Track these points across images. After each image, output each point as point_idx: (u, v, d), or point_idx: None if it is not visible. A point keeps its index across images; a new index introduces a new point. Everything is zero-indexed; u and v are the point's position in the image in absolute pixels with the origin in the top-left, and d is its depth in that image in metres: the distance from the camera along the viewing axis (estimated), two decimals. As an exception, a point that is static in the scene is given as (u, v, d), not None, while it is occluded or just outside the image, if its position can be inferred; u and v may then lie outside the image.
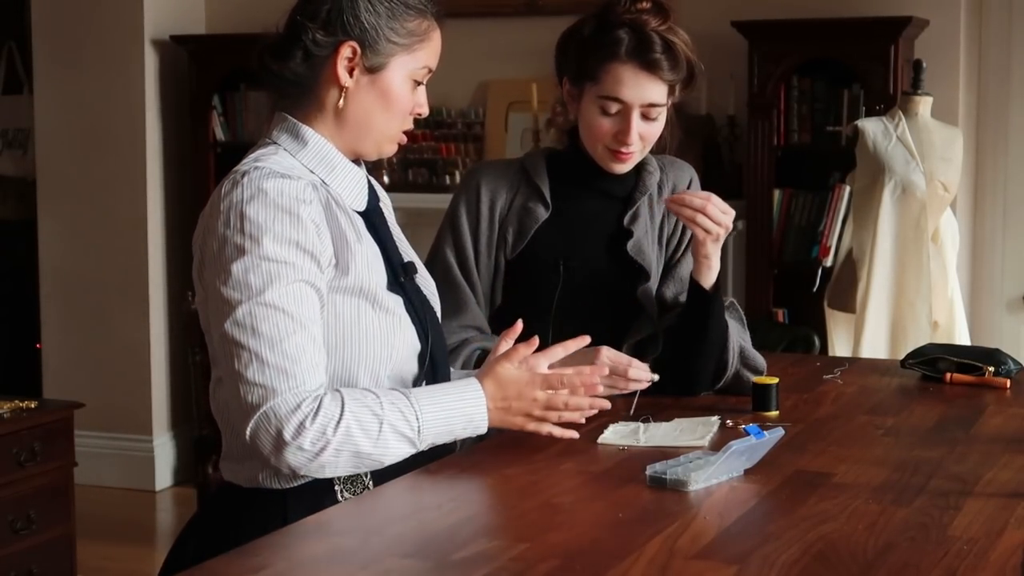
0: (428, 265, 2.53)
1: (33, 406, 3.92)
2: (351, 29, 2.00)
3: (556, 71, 2.57)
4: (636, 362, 2.35)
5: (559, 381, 2.05)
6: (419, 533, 1.75)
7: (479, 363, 2.41)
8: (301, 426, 1.85)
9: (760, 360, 2.55)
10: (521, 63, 5.12)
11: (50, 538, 3.91)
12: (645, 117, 2.47)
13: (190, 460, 5.49)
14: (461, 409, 1.99)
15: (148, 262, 5.48)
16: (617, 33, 2.45)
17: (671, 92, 2.49)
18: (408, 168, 5.37)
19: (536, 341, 2.08)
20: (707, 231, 2.40)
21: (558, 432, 2.07)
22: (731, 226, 2.43)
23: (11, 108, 6.04)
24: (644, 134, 2.49)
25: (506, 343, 2.11)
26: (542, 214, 2.55)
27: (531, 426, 2.05)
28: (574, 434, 2.09)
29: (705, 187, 4.75)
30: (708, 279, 2.46)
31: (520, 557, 1.60)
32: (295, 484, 1.94)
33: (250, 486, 1.96)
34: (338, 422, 1.87)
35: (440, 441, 1.98)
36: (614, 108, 2.47)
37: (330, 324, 1.96)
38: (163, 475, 5.58)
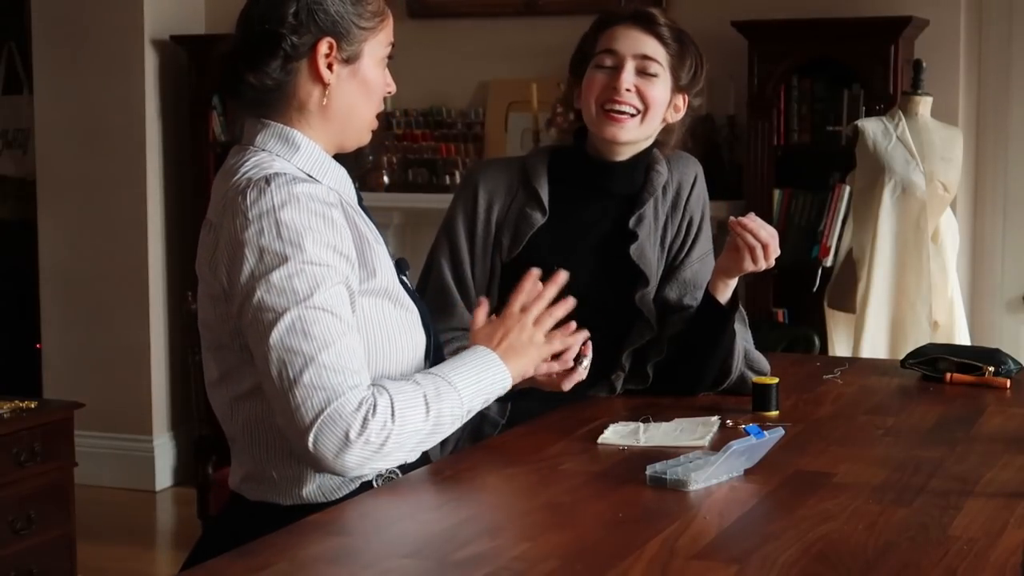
0: (425, 266, 2.54)
1: (33, 406, 3.91)
2: (323, 25, 1.98)
3: (569, 75, 2.57)
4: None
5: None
6: (419, 533, 1.75)
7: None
8: (365, 421, 1.84)
9: (764, 362, 2.54)
10: (521, 63, 5.13)
11: (50, 538, 3.91)
12: (642, 72, 2.46)
13: (190, 460, 5.49)
14: (480, 368, 2.00)
15: (148, 262, 5.48)
16: (622, 10, 2.52)
17: (672, 69, 2.48)
18: (408, 168, 5.36)
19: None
20: (754, 262, 2.38)
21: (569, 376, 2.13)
22: (772, 264, 2.42)
23: (11, 108, 6.04)
24: (641, 89, 2.46)
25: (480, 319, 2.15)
26: (538, 220, 2.52)
27: (546, 349, 2.08)
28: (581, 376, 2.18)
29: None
30: (726, 295, 2.45)
31: (520, 557, 1.60)
32: (339, 496, 1.93)
33: (292, 503, 1.94)
34: (392, 410, 1.86)
35: (478, 404, 1.98)
36: (609, 61, 2.47)
37: (361, 326, 1.96)
38: (163, 475, 5.58)
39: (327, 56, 1.99)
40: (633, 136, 2.50)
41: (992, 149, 4.78)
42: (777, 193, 4.72)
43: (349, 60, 2.01)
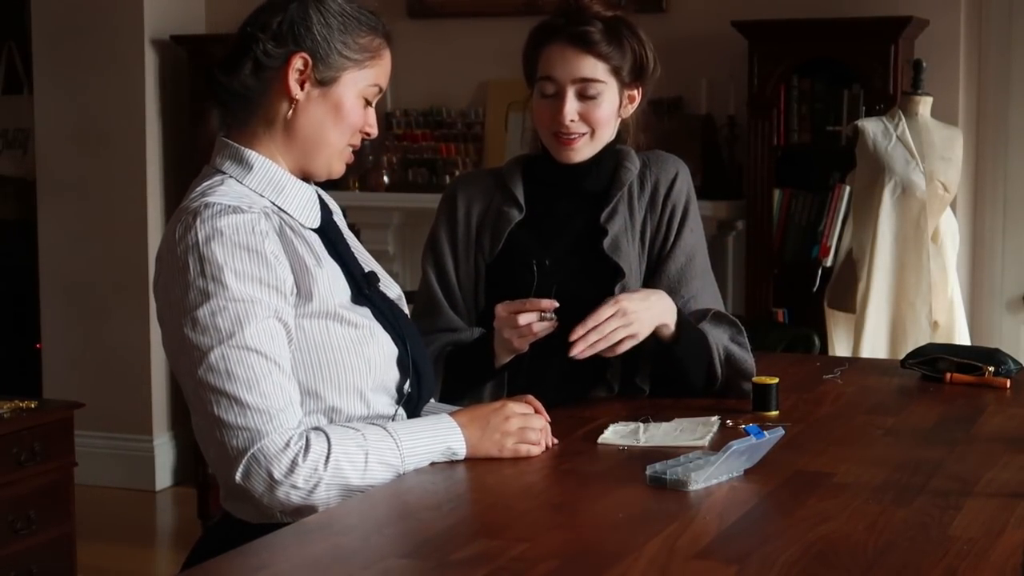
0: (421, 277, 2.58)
1: (33, 406, 3.92)
2: (303, 41, 1.98)
3: (526, 86, 2.58)
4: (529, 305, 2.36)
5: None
6: (419, 533, 1.75)
7: (450, 357, 2.45)
8: (293, 464, 1.86)
9: (748, 364, 2.48)
10: (521, 63, 5.12)
11: (50, 538, 3.91)
12: (583, 96, 2.45)
13: (190, 460, 5.49)
14: (439, 436, 2.00)
15: (148, 262, 5.47)
16: (555, 20, 2.47)
17: (615, 75, 2.46)
18: (408, 168, 5.36)
19: None
20: (621, 342, 2.35)
21: (536, 450, 2.08)
22: (623, 321, 2.33)
23: (11, 108, 6.04)
24: (585, 114, 2.46)
25: None
26: (515, 216, 2.54)
27: (509, 443, 2.05)
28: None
29: (705, 187, 4.74)
30: (664, 334, 2.42)
31: (520, 557, 1.60)
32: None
33: (261, 522, 1.92)
34: (327, 457, 1.88)
35: (420, 466, 1.98)
36: (550, 89, 2.46)
37: (304, 349, 1.96)
38: (163, 475, 5.58)
39: (300, 72, 1.99)
40: (587, 153, 2.52)
41: (992, 149, 4.78)
42: (777, 193, 4.72)
43: (323, 83, 2.00)
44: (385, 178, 5.34)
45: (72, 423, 4.03)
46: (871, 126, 4.22)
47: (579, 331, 2.32)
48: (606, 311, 2.33)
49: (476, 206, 2.58)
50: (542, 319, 2.34)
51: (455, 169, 5.26)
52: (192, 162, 5.49)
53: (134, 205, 5.47)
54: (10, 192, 6.15)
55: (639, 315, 2.35)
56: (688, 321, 2.45)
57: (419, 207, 5.09)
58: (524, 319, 2.34)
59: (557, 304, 2.34)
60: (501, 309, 2.37)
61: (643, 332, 2.36)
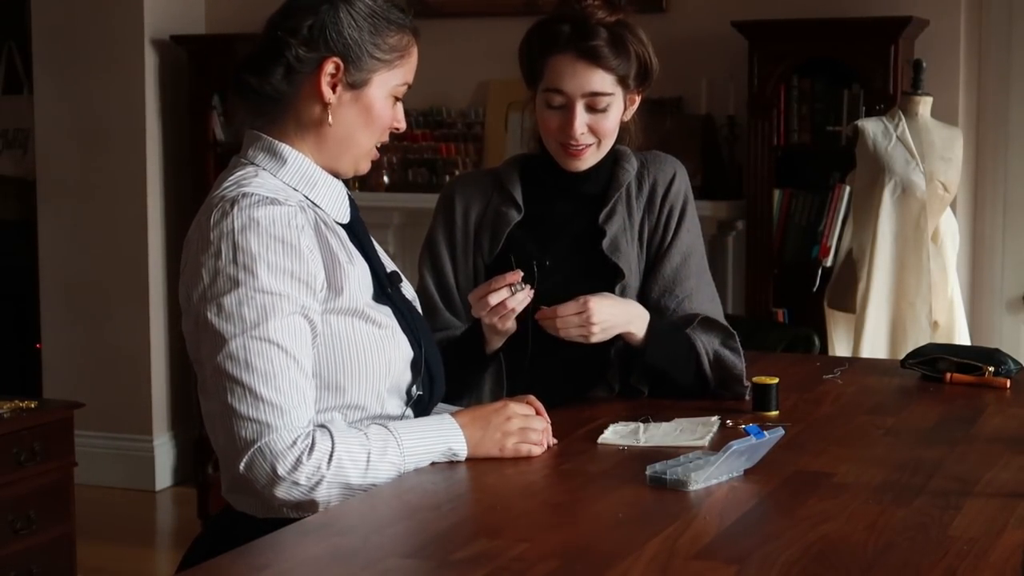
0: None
1: (33, 406, 3.92)
2: (334, 45, 1.98)
3: (525, 86, 2.57)
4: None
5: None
6: (419, 533, 1.76)
7: (444, 351, 2.42)
8: (298, 462, 1.86)
9: (739, 368, 2.47)
10: (519, 61, 5.11)
11: (50, 538, 3.91)
12: (592, 108, 2.45)
13: (190, 460, 5.49)
14: (440, 436, 2.01)
15: (148, 262, 5.48)
16: (559, 27, 2.45)
17: (622, 84, 2.46)
18: (408, 168, 5.36)
19: None
20: (583, 336, 2.36)
21: (537, 450, 2.08)
22: (589, 321, 2.35)
23: (11, 108, 6.04)
24: (594, 126, 2.46)
25: None
26: (514, 217, 2.54)
27: (510, 443, 2.05)
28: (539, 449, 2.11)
29: (705, 187, 4.73)
30: (634, 340, 2.43)
31: (520, 557, 1.60)
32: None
33: (266, 516, 1.92)
34: (331, 457, 1.88)
35: (421, 465, 1.99)
36: (557, 100, 2.45)
37: (328, 345, 1.96)
38: (163, 475, 5.58)
39: (332, 76, 1.99)
40: (592, 161, 2.52)
41: (992, 149, 4.78)
42: (777, 193, 4.72)
43: (355, 85, 2.01)
44: (385, 178, 5.34)
45: (72, 423, 4.03)
46: (871, 126, 4.22)
47: (545, 313, 2.36)
48: (571, 307, 2.35)
49: (474, 207, 2.57)
50: (514, 292, 2.33)
51: (455, 169, 5.26)
52: (192, 162, 5.50)
53: (134, 205, 5.47)
54: (10, 192, 6.15)
55: (602, 317, 2.36)
56: (662, 330, 2.45)
57: (419, 207, 5.08)
58: (495, 299, 2.32)
59: (523, 273, 2.33)
60: (471, 298, 2.37)
61: (595, 337, 2.36)
